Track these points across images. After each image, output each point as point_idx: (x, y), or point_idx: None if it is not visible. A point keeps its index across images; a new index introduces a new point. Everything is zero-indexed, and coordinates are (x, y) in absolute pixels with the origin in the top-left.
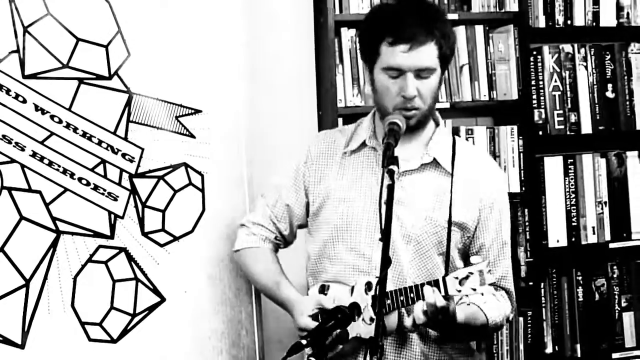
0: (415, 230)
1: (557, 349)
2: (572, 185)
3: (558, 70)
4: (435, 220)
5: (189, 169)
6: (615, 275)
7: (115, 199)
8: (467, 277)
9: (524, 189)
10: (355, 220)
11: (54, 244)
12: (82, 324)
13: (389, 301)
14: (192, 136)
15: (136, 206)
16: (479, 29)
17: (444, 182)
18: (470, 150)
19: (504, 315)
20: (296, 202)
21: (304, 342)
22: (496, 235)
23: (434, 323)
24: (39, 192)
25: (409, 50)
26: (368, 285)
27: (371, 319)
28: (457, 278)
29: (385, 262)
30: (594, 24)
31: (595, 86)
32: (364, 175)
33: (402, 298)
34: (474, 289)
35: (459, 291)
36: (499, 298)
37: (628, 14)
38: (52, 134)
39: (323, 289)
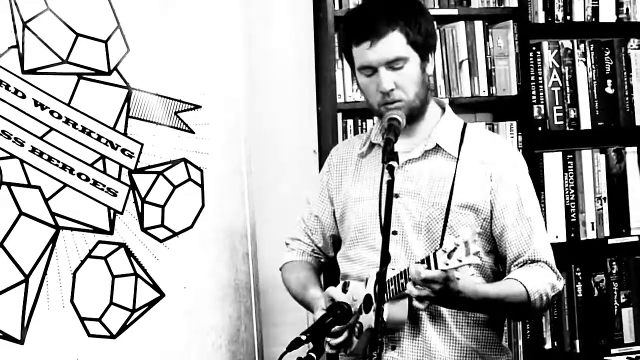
0: (424, 218)
1: (556, 344)
2: (571, 181)
3: (557, 66)
4: (440, 205)
5: (188, 164)
6: (614, 271)
7: (115, 195)
8: (454, 250)
9: None
10: (370, 219)
11: (53, 240)
12: (82, 319)
13: (392, 287)
14: (192, 132)
15: (135, 202)
16: (479, 25)
17: (448, 166)
18: (482, 133)
19: (549, 283)
20: (323, 213)
21: (303, 337)
22: (519, 213)
23: (437, 296)
24: (39, 187)
25: (371, 46)
26: (378, 275)
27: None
28: (445, 251)
29: (385, 258)
30: (594, 19)
31: (594, 82)
32: (375, 173)
33: (402, 281)
34: (460, 260)
35: (447, 264)
36: (535, 269)
37: (627, 9)
38: (51, 129)
39: (345, 286)
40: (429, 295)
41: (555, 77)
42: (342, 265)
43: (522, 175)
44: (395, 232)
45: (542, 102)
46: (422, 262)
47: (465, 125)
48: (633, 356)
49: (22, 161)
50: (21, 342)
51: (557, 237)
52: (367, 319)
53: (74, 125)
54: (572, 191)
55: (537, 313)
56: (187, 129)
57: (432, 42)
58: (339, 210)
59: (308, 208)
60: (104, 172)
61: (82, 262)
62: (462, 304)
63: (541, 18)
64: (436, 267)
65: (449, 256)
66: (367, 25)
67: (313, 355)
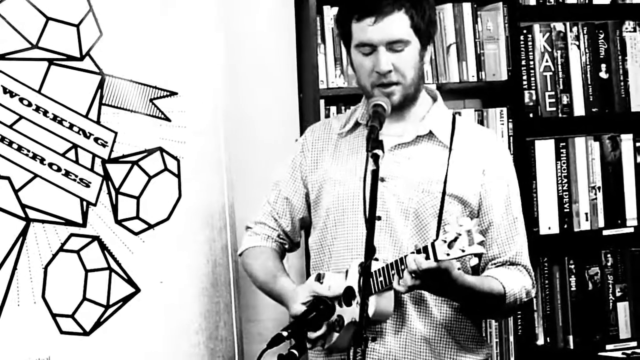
0: (413, 204)
1: (548, 340)
2: (564, 170)
3: (549, 49)
4: (433, 193)
5: (164, 153)
6: (609, 264)
7: (88, 185)
8: (455, 239)
9: None
10: (351, 201)
11: (23, 233)
12: (54, 315)
13: (381, 278)
14: (168, 119)
15: (109, 193)
16: (467, 7)
17: (441, 154)
18: (472, 126)
19: (524, 288)
20: (295, 194)
21: (285, 333)
22: (505, 211)
23: (428, 286)
24: (8, 178)
25: (375, 23)
26: (361, 266)
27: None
28: (445, 241)
29: (370, 251)
30: (587, 1)
31: (588, 66)
32: (358, 153)
33: (393, 272)
34: (463, 250)
35: (448, 255)
36: (514, 272)
37: None
38: (21, 117)
39: (319, 278)
40: (420, 285)
41: (547, 61)
42: (317, 252)
43: (511, 173)
44: (379, 218)
45: (533, 87)
46: (419, 252)
47: (454, 116)
48: (629, 352)
49: None
50: None
51: (549, 228)
52: (349, 312)
53: (45, 113)
54: (565, 180)
55: (505, 315)
56: (163, 116)
57: (433, 31)
58: (314, 191)
59: (276, 190)
60: (76, 162)
61: (54, 256)
62: (447, 292)
63: (532, 0)
64: (435, 258)
65: (449, 246)
66: (371, 1)
67: (295, 352)
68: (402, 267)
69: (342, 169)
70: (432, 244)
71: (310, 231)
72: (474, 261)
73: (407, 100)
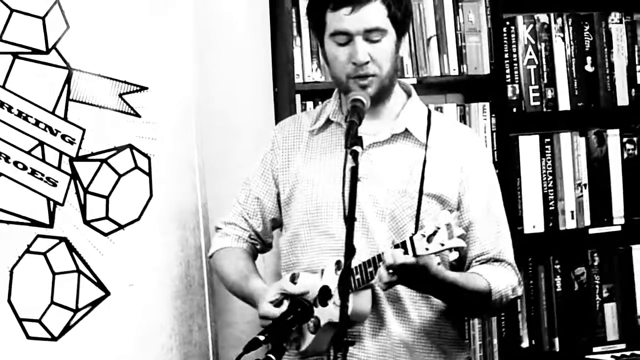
0: (389, 205)
1: (533, 343)
2: (549, 166)
3: (533, 42)
4: (410, 193)
5: (134, 151)
6: (595, 264)
7: (55, 185)
8: (434, 233)
9: (497, 170)
10: (325, 202)
11: None
12: (20, 320)
13: (358, 276)
14: (138, 115)
15: (77, 192)
16: None
17: (417, 153)
18: (448, 122)
19: (509, 285)
20: (266, 194)
21: (261, 337)
22: (487, 208)
23: (407, 282)
24: None
25: (352, 12)
26: (337, 265)
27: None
28: (424, 235)
29: (350, 251)
30: None
31: (573, 59)
32: (332, 153)
33: (370, 269)
34: (442, 244)
35: (427, 249)
36: (499, 268)
37: None
38: None
39: (293, 278)
40: (399, 280)
41: (530, 54)
42: (288, 253)
43: (490, 169)
44: (355, 219)
45: (516, 81)
46: (397, 247)
47: (430, 112)
48: (618, 354)
49: None
50: None
51: (534, 227)
52: (326, 313)
53: (9, 109)
54: (550, 177)
55: (493, 313)
56: (132, 112)
57: (408, 22)
58: (285, 191)
59: (246, 190)
60: (43, 160)
61: (20, 258)
62: (428, 288)
63: None
64: (414, 253)
65: (428, 240)
66: None
67: (272, 356)
68: (380, 263)
69: (315, 170)
70: (411, 238)
71: (282, 232)
72: (454, 256)
73: (382, 93)
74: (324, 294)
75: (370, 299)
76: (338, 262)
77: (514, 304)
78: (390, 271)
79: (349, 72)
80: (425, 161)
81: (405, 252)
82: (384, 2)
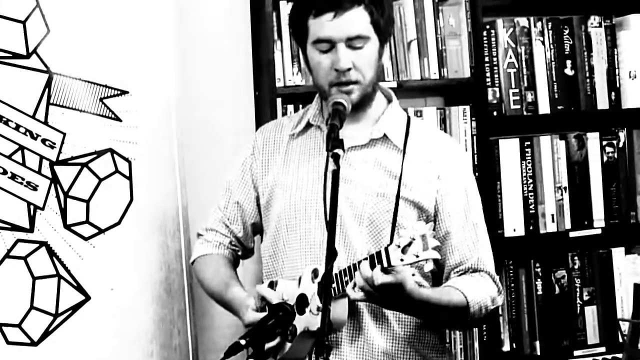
0: (367, 209)
1: (514, 346)
2: (529, 169)
3: (513, 45)
4: (388, 197)
5: (115, 155)
6: (576, 267)
7: (35, 189)
8: (409, 244)
9: (477, 174)
10: (304, 206)
11: None
12: None
13: (334, 285)
14: (118, 119)
15: (58, 196)
16: (428, 1)
17: (395, 158)
18: (427, 128)
19: (489, 295)
20: (246, 198)
21: (242, 342)
22: (465, 217)
23: (381, 300)
24: None
25: (334, 18)
26: (314, 273)
27: (318, 309)
28: (399, 246)
29: (331, 255)
30: None
31: (553, 63)
32: (311, 157)
33: (346, 279)
34: (417, 255)
35: (402, 260)
36: (477, 279)
37: None
38: None
39: (272, 285)
40: (374, 295)
41: (510, 57)
42: (267, 259)
43: (470, 178)
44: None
45: (497, 85)
46: (372, 258)
47: (409, 118)
48: (599, 358)
49: None
50: None
51: (514, 230)
52: (302, 321)
53: None
54: (531, 181)
55: (472, 325)
56: (113, 116)
57: (391, 29)
58: (264, 196)
59: (226, 195)
60: (23, 164)
61: (0, 262)
62: (401, 306)
63: None
64: (389, 264)
65: (403, 251)
66: None
67: None
68: (356, 273)
69: (293, 173)
70: (386, 249)
71: (262, 237)
72: (429, 267)
73: (364, 100)
74: (301, 302)
75: (347, 308)
76: (315, 270)
77: (494, 313)
78: (361, 289)
79: (332, 79)
80: (402, 166)
81: (380, 262)
82: (367, 8)
